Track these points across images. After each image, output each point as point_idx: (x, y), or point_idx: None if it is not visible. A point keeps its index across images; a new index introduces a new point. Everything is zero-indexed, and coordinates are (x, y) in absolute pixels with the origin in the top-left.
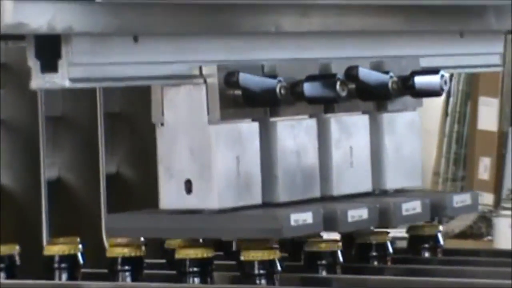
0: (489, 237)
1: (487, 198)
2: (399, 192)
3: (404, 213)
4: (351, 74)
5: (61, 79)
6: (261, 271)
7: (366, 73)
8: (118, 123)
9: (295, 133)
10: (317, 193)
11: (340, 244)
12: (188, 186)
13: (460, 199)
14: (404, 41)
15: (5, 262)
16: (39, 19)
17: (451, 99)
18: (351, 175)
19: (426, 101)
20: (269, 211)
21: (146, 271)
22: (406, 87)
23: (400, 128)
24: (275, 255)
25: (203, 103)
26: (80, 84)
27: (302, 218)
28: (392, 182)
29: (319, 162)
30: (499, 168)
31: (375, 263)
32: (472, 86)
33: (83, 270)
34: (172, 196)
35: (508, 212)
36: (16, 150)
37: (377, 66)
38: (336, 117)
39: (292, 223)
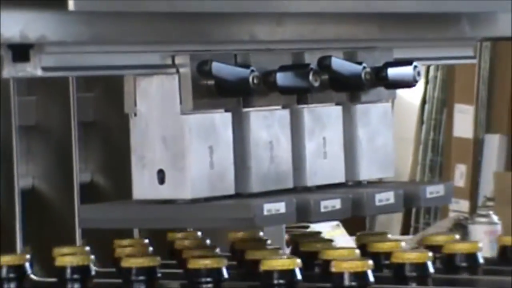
0: None
1: (463, 205)
2: (373, 183)
3: (378, 203)
4: (324, 64)
5: (33, 68)
6: (353, 283)
7: (339, 64)
8: (91, 132)
9: (268, 124)
10: (290, 184)
11: (430, 255)
12: (161, 176)
13: (434, 190)
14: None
15: None
16: (12, 28)
17: (426, 107)
18: (324, 166)
19: (402, 108)
20: (242, 201)
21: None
22: (379, 78)
23: (373, 120)
24: (367, 266)
25: (175, 93)
26: (52, 73)
27: (275, 207)
28: (365, 173)
29: (292, 153)
30: (474, 175)
31: (465, 274)
32: (448, 94)
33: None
34: (145, 186)
35: (484, 219)
36: None
37: (350, 57)
38: (309, 108)
39: (265, 212)
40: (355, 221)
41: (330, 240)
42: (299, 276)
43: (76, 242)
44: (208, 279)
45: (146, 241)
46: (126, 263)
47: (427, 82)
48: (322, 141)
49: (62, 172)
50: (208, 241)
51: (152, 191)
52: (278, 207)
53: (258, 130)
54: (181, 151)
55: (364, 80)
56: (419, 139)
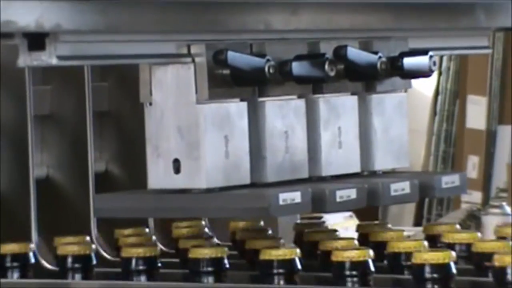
0: None
1: (475, 197)
2: (387, 173)
3: (393, 193)
4: (339, 53)
5: (48, 57)
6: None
7: (355, 53)
8: (106, 121)
9: (283, 113)
10: (305, 174)
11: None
12: (176, 165)
13: (449, 180)
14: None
15: None
16: (27, 17)
17: (439, 98)
18: (340, 156)
19: (415, 99)
20: (257, 191)
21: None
22: (395, 68)
23: (388, 109)
24: None
25: (191, 82)
26: (67, 62)
27: (291, 197)
28: (380, 163)
29: (308, 143)
30: (487, 166)
31: None
32: (460, 85)
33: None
34: (160, 176)
35: (497, 210)
36: (4, 149)
37: (366, 47)
38: (325, 97)
39: (281, 202)
40: (368, 212)
41: (335, 230)
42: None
43: (92, 232)
44: (209, 269)
45: (147, 230)
46: (126, 253)
47: (440, 74)
48: (337, 131)
49: (77, 161)
50: (206, 230)
51: (167, 180)
52: (293, 196)
53: (274, 119)
54: (197, 140)
55: (379, 70)
56: (431, 131)
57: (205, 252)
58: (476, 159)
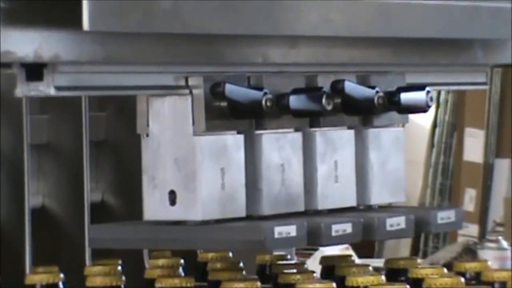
0: None
1: (472, 230)
2: (383, 207)
3: (388, 228)
4: (337, 87)
5: (46, 87)
6: None
7: (352, 87)
8: (103, 151)
9: (280, 146)
10: (301, 207)
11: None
12: (172, 197)
13: (445, 216)
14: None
15: None
16: (26, 48)
17: (437, 130)
18: (336, 189)
19: (412, 131)
20: (252, 223)
21: None
22: (392, 103)
23: (385, 144)
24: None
25: (188, 114)
26: (65, 93)
27: (286, 231)
28: (376, 197)
29: (304, 176)
30: (484, 199)
31: None
32: (458, 117)
33: None
34: (156, 207)
35: (493, 245)
36: (0, 177)
37: (363, 81)
38: (322, 131)
39: (276, 235)
40: (365, 244)
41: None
42: None
43: (86, 262)
44: None
45: (181, 261)
46: (160, 283)
47: (438, 106)
48: (334, 165)
49: (73, 191)
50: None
51: (163, 212)
52: (289, 230)
53: (270, 152)
54: (193, 172)
55: (376, 104)
56: (429, 163)
57: (240, 286)
58: (473, 192)
